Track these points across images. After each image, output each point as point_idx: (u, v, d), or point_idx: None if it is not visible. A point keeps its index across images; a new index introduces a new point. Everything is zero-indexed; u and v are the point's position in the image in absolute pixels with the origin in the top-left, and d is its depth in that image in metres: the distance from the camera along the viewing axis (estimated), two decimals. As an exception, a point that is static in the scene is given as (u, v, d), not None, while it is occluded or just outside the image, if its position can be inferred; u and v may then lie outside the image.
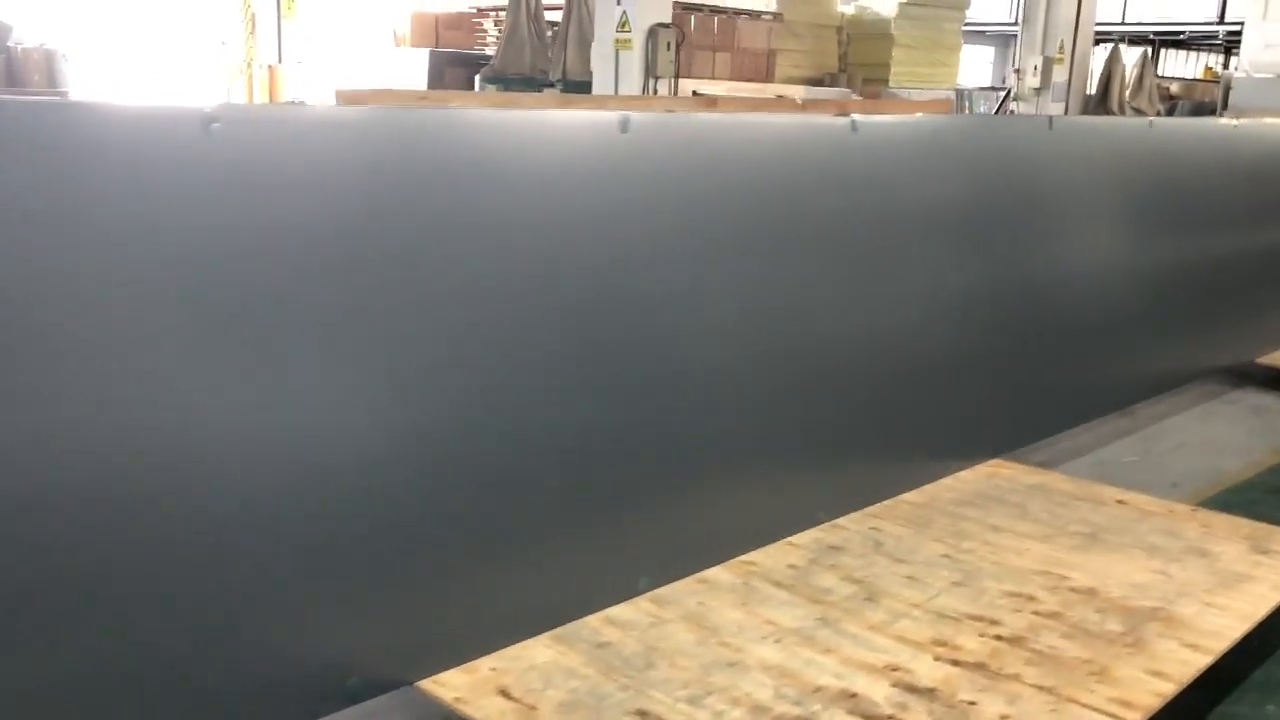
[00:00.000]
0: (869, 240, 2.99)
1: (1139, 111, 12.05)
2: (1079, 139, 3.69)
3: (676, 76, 7.19)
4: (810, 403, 2.86)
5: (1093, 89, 12.20)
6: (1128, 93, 12.19)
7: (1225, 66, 23.91)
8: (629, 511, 2.44)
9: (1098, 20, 22.08)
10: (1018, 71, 10.21)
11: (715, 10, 13.85)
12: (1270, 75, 11.11)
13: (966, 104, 11.47)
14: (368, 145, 1.99)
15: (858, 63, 15.88)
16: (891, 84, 15.05)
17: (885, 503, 3.02)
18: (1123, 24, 23.87)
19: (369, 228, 1.96)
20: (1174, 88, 16.20)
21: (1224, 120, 5.43)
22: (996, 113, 10.86)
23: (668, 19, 7.08)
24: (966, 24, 16.47)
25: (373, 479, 1.96)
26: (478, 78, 10.69)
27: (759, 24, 13.95)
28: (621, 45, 7.01)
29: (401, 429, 2.01)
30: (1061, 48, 10.02)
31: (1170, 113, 12.56)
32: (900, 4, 15.25)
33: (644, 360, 2.44)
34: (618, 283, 2.38)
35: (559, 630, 2.26)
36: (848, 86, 14.63)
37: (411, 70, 13.60)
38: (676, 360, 2.51)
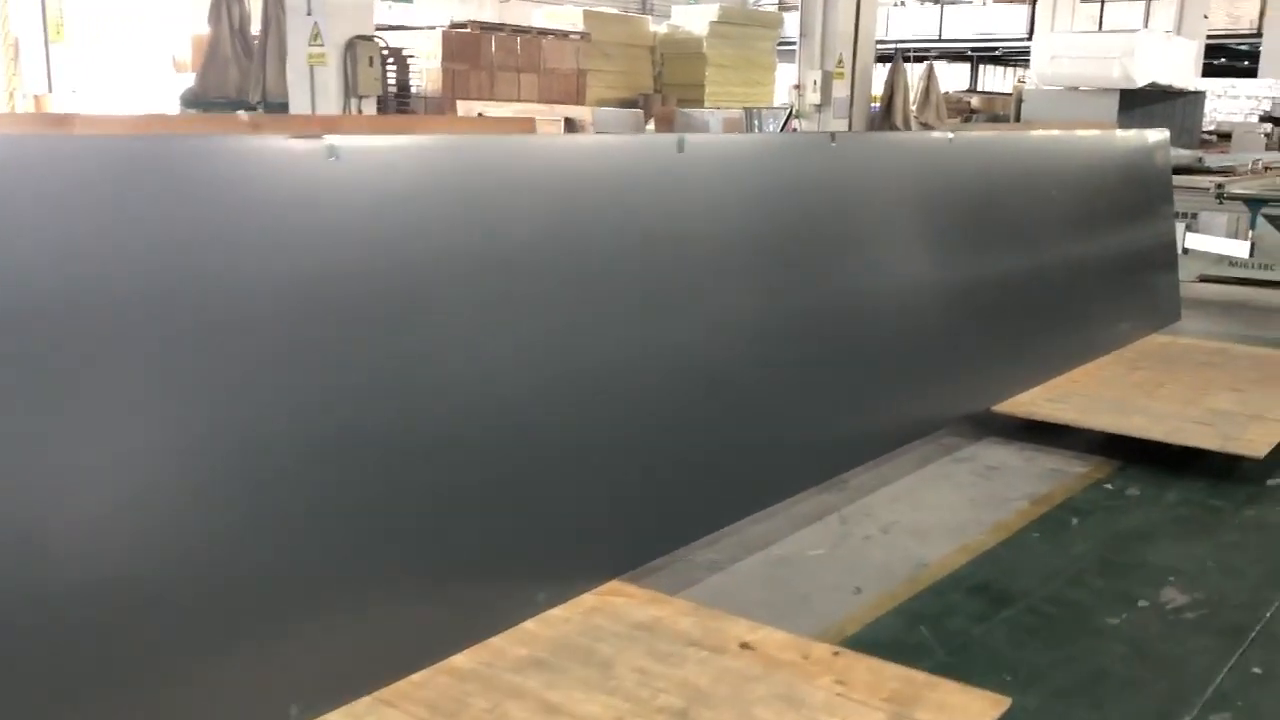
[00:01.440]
0: (379, 303, 2.15)
1: (926, 126, 11.74)
2: (715, 161, 2.92)
3: (385, 95, 6.33)
4: (293, 528, 2.00)
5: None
6: (914, 107, 11.87)
7: (1039, 81, 24.45)
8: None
9: (918, 36, 22.25)
10: (798, 88, 9.68)
11: (518, 30, 13.13)
12: (1058, 87, 10.89)
13: (755, 122, 10.92)
14: None
15: (673, 83, 15.45)
16: (707, 104, 14.64)
17: (421, 673, 2.16)
18: (940, 40, 24.20)
19: None
20: (974, 101, 16.15)
21: (936, 135, 4.82)
22: (781, 130, 10.33)
23: (369, 30, 6.19)
24: (784, 43, 16.11)
25: None
26: (178, 99, 9.61)
27: (566, 44, 13.32)
28: (315, 61, 6.09)
29: None
30: (840, 62, 9.53)
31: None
32: (711, 23, 14.85)
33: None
34: None
35: None
36: (662, 107, 14.09)
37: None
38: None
